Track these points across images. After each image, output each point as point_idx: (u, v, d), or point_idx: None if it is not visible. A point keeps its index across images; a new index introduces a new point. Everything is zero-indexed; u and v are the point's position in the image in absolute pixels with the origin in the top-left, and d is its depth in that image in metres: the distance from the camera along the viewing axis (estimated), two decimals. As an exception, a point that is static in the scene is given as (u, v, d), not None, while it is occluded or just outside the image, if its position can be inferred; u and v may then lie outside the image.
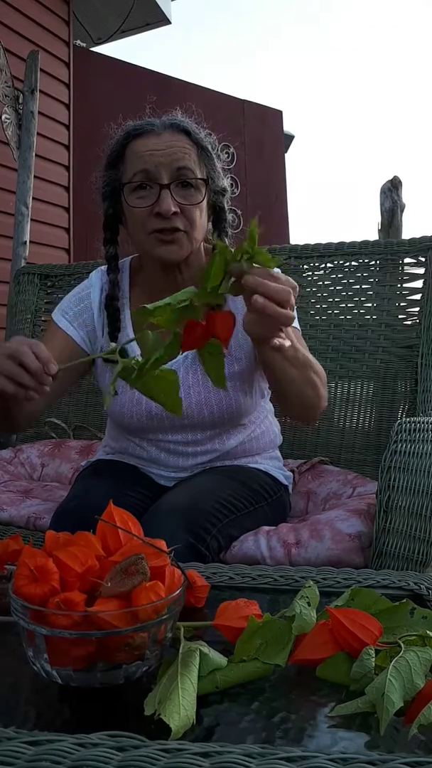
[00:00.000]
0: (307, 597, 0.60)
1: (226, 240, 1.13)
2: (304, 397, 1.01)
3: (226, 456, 1.16)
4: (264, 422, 1.22)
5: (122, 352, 1.16)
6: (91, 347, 1.16)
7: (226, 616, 0.60)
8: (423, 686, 0.50)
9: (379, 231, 4.50)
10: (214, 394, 1.10)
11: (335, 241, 1.53)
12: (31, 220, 2.72)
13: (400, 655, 0.52)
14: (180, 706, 0.47)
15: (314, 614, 0.59)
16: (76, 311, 1.16)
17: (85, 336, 1.15)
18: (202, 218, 1.06)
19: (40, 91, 2.75)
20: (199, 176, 1.04)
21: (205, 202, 1.06)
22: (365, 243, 1.49)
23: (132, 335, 1.12)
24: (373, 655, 0.53)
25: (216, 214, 1.12)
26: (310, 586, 0.62)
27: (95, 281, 1.18)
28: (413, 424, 1.04)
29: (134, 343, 1.13)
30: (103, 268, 1.19)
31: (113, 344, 1.10)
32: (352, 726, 0.48)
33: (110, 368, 1.13)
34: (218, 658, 0.55)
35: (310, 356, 1.01)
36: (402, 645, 0.53)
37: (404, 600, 0.61)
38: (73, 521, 0.95)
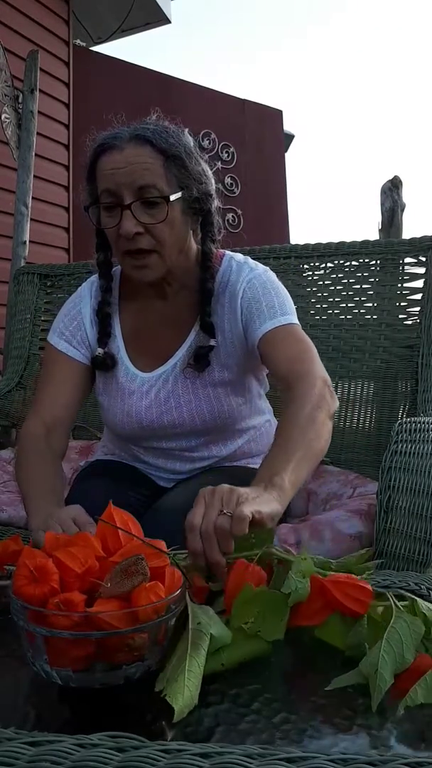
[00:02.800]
0: (302, 570, 0.62)
1: (212, 246, 1.08)
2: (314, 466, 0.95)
3: (225, 460, 1.16)
4: (264, 424, 1.21)
5: (111, 358, 1.16)
6: (90, 359, 1.14)
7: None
8: (412, 661, 0.53)
9: (380, 231, 4.49)
10: (205, 402, 1.08)
11: (335, 241, 1.53)
12: (31, 219, 2.72)
13: (391, 624, 0.55)
14: (184, 687, 0.50)
15: (309, 585, 0.61)
16: (72, 330, 1.13)
17: (86, 352, 1.13)
18: (174, 233, 1.01)
19: (40, 91, 2.75)
20: (165, 191, 0.98)
21: (176, 215, 1.01)
22: (365, 243, 1.49)
23: (121, 343, 1.12)
24: (365, 625, 0.58)
25: (203, 217, 1.07)
26: (305, 559, 0.63)
27: (85, 294, 1.17)
28: (414, 424, 1.04)
29: (123, 351, 1.13)
30: (93, 277, 1.18)
31: (100, 350, 1.10)
32: (352, 726, 0.48)
33: (102, 375, 1.13)
34: (223, 633, 0.56)
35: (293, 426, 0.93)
36: (394, 608, 0.57)
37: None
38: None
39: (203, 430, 1.11)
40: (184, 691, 0.49)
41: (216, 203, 1.08)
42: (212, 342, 1.06)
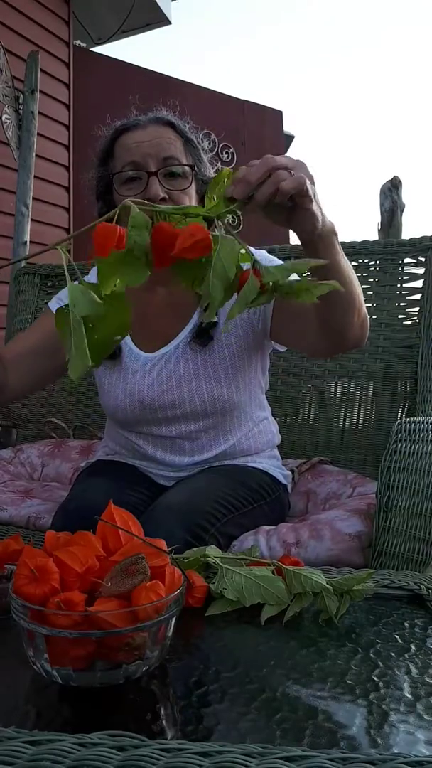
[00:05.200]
0: (137, 224, 0.60)
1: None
2: (358, 298, 0.93)
3: (224, 456, 1.16)
4: (262, 422, 1.22)
5: (117, 347, 1.18)
6: None
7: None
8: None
9: (379, 231, 4.49)
10: (205, 383, 1.10)
11: (335, 241, 1.53)
12: (31, 220, 2.72)
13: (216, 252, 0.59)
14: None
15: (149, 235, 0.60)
16: None
17: None
18: (191, 205, 1.06)
19: (40, 91, 2.75)
20: (186, 163, 1.06)
21: (193, 190, 1.08)
22: (365, 243, 1.49)
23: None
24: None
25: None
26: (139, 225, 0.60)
27: (92, 278, 1.19)
28: (413, 424, 1.04)
29: (128, 336, 1.14)
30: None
31: None
32: (352, 726, 0.48)
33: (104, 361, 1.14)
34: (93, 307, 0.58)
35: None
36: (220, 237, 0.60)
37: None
38: (74, 521, 0.95)
39: (203, 413, 1.11)
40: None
41: None
42: (215, 318, 1.09)
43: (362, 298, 0.95)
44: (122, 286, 0.59)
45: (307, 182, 0.72)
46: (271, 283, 0.60)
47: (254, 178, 0.69)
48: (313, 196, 0.74)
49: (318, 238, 0.81)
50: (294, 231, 0.81)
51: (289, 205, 0.74)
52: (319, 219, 0.78)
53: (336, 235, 0.84)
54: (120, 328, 0.59)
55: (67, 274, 0.59)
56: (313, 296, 0.60)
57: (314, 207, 0.76)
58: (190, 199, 1.07)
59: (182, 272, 0.63)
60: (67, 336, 0.58)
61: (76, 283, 0.59)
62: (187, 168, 1.06)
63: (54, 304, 1.19)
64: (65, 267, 0.60)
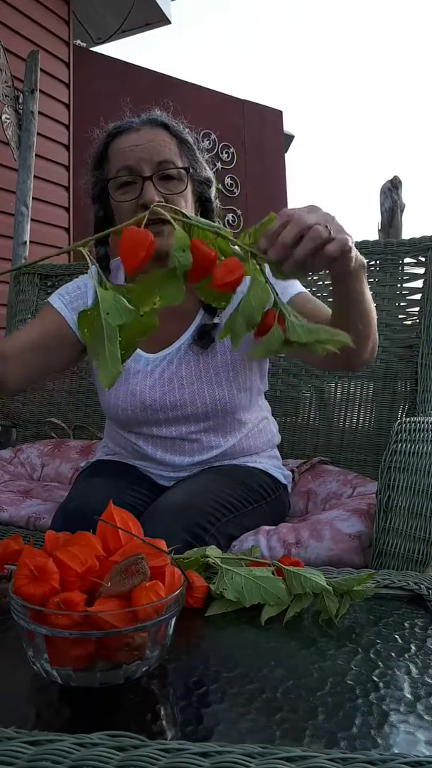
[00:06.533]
0: (181, 244, 0.62)
1: None
2: (373, 326, 0.96)
3: (224, 456, 1.16)
4: (262, 421, 1.22)
5: None
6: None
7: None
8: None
9: (379, 231, 4.50)
10: (207, 385, 1.10)
11: (335, 241, 1.53)
12: (31, 220, 2.72)
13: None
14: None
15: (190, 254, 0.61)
16: (73, 296, 1.17)
17: (77, 321, 1.15)
18: (187, 209, 1.07)
19: (40, 91, 2.75)
20: (181, 166, 1.06)
21: (189, 192, 1.07)
22: (365, 243, 1.49)
23: None
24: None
25: (202, 205, 1.14)
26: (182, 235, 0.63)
27: (89, 284, 1.19)
28: (413, 424, 1.04)
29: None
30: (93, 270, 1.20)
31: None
32: (352, 726, 0.48)
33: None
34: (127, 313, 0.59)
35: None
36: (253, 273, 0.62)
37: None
38: (73, 521, 0.95)
39: (203, 415, 1.12)
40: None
41: (214, 190, 1.14)
42: (216, 320, 1.09)
43: (375, 325, 0.96)
44: (162, 304, 0.60)
45: (349, 240, 0.71)
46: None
47: (290, 240, 0.67)
48: (351, 246, 0.73)
49: (349, 275, 0.82)
50: (327, 268, 0.79)
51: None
52: (353, 258, 0.77)
53: (364, 268, 0.85)
54: (145, 328, 0.60)
55: (93, 276, 0.59)
56: (325, 350, 0.62)
57: (352, 254, 0.75)
58: (186, 201, 1.07)
59: (206, 292, 0.64)
60: (97, 342, 0.58)
61: (85, 278, 0.59)
62: (182, 171, 1.06)
63: (55, 300, 1.18)
64: (91, 271, 0.60)
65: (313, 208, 0.72)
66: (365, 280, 0.86)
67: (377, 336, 0.99)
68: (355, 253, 0.77)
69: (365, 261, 0.84)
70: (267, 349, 0.63)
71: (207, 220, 0.65)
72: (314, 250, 0.68)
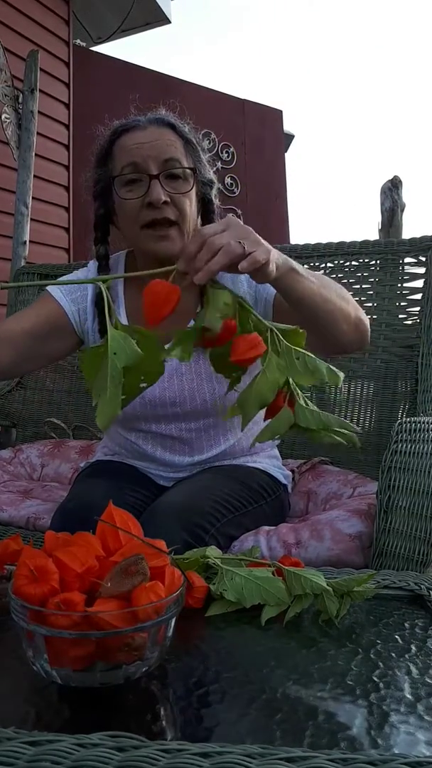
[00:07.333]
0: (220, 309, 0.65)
1: None
2: (340, 311, 0.95)
3: (224, 455, 1.16)
4: (261, 421, 1.21)
5: None
6: (80, 327, 1.15)
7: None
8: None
9: (379, 231, 4.49)
10: (207, 383, 1.10)
11: (335, 241, 1.53)
12: (31, 219, 2.72)
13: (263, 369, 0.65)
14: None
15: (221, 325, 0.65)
16: (73, 287, 1.16)
17: (76, 312, 1.14)
18: (192, 208, 1.06)
19: (40, 91, 2.75)
20: (187, 166, 1.05)
21: (194, 192, 1.07)
22: (365, 243, 1.49)
23: (126, 323, 1.13)
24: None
25: (204, 206, 1.14)
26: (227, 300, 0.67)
27: (92, 271, 1.19)
28: (413, 424, 1.04)
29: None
30: (91, 265, 1.20)
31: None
32: (352, 726, 0.48)
33: None
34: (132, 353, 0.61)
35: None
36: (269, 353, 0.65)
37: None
38: (73, 521, 0.95)
39: (203, 412, 1.11)
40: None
41: (215, 191, 1.14)
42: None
43: (347, 307, 0.95)
44: (148, 383, 0.63)
45: (262, 255, 0.74)
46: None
47: (203, 264, 0.71)
48: (267, 258, 0.75)
49: (278, 281, 0.83)
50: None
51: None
52: (274, 268, 0.78)
53: (293, 269, 0.85)
54: (150, 375, 0.61)
55: (107, 315, 0.60)
56: (333, 439, 0.67)
57: (270, 267, 0.77)
58: (191, 202, 1.06)
59: (218, 360, 0.66)
60: (99, 381, 0.58)
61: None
62: (188, 171, 1.05)
63: (54, 289, 1.17)
64: (106, 305, 0.61)
65: (229, 224, 0.75)
66: (303, 274, 0.87)
67: (361, 318, 0.98)
68: (276, 262, 0.78)
69: (295, 264, 0.85)
70: (275, 432, 0.66)
71: (236, 294, 0.67)
72: (228, 264, 0.71)
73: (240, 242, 0.72)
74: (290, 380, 0.65)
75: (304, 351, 0.70)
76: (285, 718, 0.49)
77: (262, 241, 0.76)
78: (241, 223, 0.76)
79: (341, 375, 0.69)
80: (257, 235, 0.75)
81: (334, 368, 0.68)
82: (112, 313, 0.61)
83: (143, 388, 0.62)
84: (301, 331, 0.69)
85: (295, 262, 0.86)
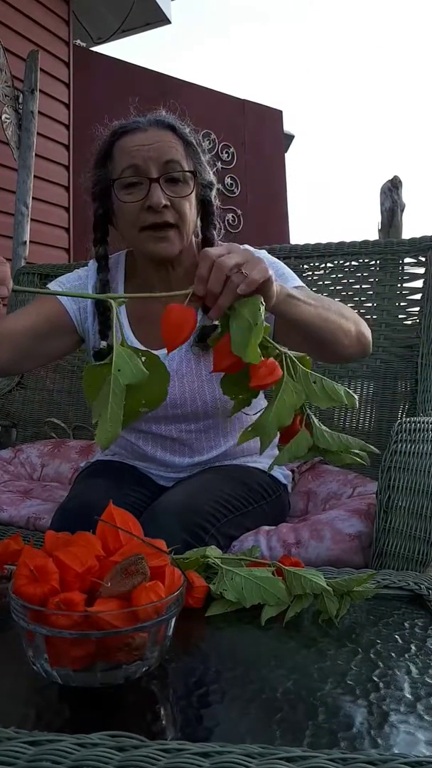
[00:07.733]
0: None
1: (213, 232, 1.13)
2: (341, 329, 0.98)
3: (224, 456, 1.16)
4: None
5: (111, 349, 1.19)
6: (81, 325, 1.15)
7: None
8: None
9: (379, 231, 4.50)
10: (207, 384, 1.10)
11: (335, 241, 1.53)
12: (31, 219, 2.72)
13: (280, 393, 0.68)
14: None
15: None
16: (73, 286, 1.16)
17: (77, 310, 1.15)
18: (191, 211, 1.06)
19: (40, 91, 2.75)
20: (187, 169, 1.05)
21: (194, 195, 1.07)
22: (365, 243, 1.49)
23: (126, 323, 1.13)
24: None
25: (204, 207, 1.13)
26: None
27: (92, 270, 1.19)
28: (413, 424, 1.04)
29: (129, 331, 1.14)
30: (91, 264, 1.19)
31: (104, 343, 1.11)
32: (352, 726, 0.48)
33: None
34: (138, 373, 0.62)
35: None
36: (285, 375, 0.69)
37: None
38: (73, 521, 0.95)
39: (203, 413, 1.11)
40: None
41: (215, 192, 1.14)
42: (216, 321, 1.09)
43: (347, 323, 0.98)
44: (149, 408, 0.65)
45: (260, 279, 0.76)
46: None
47: (218, 289, 0.75)
48: (265, 276, 0.77)
49: (275, 308, 0.85)
50: None
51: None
52: (273, 296, 0.80)
53: (290, 295, 0.88)
54: (154, 398, 0.61)
55: (114, 331, 0.60)
56: (353, 460, 0.69)
57: (272, 288, 0.79)
58: (191, 205, 1.06)
59: (229, 383, 0.67)
60: (100, 400, 0.58)
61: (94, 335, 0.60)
62: (188, 174, 1.05)
63: (55, 287, 1.17)
64: (113, 323, 0.61)
65: (230, 249, 0.78)
66: (301, 299, 0.91)
67: (362, 331, 1.02)
68: (274, 289, 0.81)
69: (292, 291, 0.89)
70: (294, 455, 0.67)
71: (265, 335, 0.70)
72: (234, 298, 0.75)
73: (241, 271, 0.75)
74: (305, 406, 0.67)
75: (320, 375, 0.72)
76: (285, 717, 0.49)
77: (262, 263, 0.78)
78: (241, 247, 0.80)
79: (356, 397, 0.72)
80: (256, 258, 0.78)
81: (350, 391, 0.69)
82: (120, 329, 0.62)
83: (143, 413, 0.62)
84: (308, 358, 0.72)
85: (292, 289, 0.90)
